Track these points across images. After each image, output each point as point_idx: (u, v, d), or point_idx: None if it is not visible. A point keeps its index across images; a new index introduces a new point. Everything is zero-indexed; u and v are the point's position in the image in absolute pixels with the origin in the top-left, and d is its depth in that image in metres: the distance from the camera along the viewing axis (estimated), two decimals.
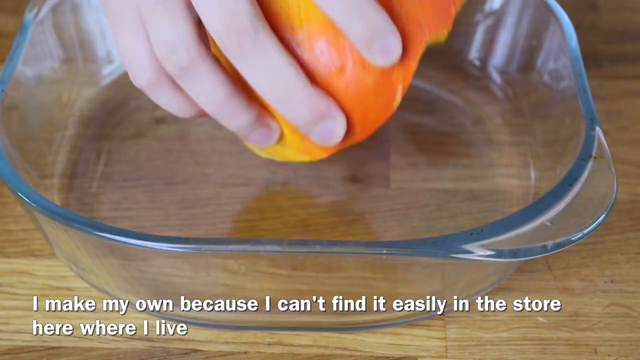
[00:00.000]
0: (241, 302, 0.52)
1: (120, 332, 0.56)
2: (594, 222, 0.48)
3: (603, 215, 0.49)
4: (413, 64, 0.51)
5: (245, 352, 0.55)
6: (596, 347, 0.55)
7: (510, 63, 0.70)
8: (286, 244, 0.46)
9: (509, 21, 0.69)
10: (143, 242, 0.47)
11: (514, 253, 0.47)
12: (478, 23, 0.71)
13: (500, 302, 0.57)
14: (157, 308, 0.53)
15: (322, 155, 0.55)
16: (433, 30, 0.51)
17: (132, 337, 0.55)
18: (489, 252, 0.47)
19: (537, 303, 0.57)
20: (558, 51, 0.61)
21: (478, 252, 0.46)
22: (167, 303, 0.53)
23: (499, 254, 0.47)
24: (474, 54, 0.72)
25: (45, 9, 0.64)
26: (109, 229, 0.48)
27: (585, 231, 0.48)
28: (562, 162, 0.57)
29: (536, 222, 0.48)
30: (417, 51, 0.51)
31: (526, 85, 0.67)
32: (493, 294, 0.57)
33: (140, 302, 0.53)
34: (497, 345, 0.55)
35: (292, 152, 0.56)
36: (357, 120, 0.52)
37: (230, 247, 0.47)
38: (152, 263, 0.51)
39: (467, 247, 0.47)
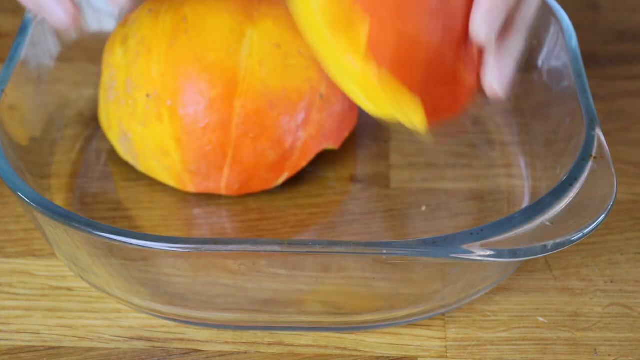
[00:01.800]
0: (241, 302, 0.52)
1: (120, 332, 0.56)
2: (594, 222, 0.48)
3: (603, 215, 0.49)
4: (304, 163, 0.62)
5: (245, 352, 0.55)
6: (596, 347, 0.55)
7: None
8: (286, 244, 0.46)
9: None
10: (143, 242, 0.47)
11: (514, 253, 0.47)
12: None
13: (500, 302, 0.57)
14: (157, 308, 0.53)
15: (192, 190, 0.63)
16: (326, 145, 0.63)
17: (132, 337, 0.55)
18: (489, 252, 0.46)
19: (537, 303, 0.57)
20: (558, 51, 0.61)
21: (478, 252, 0.46)
22: (167, 303, 0.53)
23: (499, 254, 0.47)
24: None
25: None
26: (109, 229, 0.48)
27: (585, 231, 0.48)
28: (562, 162, 0.57)
29: (536, 222, 0.48)
30: (310, 156, 0.62)
31: (526, 85, 0.67)
32: (493, 294, 0.57)
33: (140, 302, 0.53)
34: (497, 345, 0.55)
35: (166, 175, 0.62)
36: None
37: (230, 247, 0.47)
38: (152, 263, 0.51)
39: (467, 247, 0.47)
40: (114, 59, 0.62)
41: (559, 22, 0.61)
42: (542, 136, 0.63)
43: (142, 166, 0.63)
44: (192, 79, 0.59)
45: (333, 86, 0.62)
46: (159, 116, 0.59)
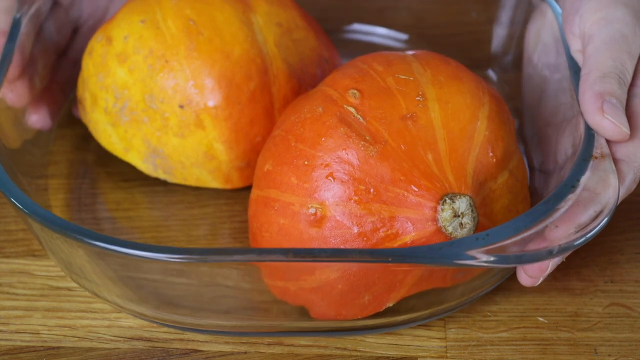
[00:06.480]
0: (241, 307, 0.52)
1: (120, 333, 0.56)
2: (598, 225, 0.48)
3: (607, 218, 0.48)
4: None
5: (245, 352, 0.55)
6: (596, 347, 0.55)
7: (509, 62, 0.70)
8: (291, 254, 0.46)
9: (508, 20, 0.69)
10: (144, 253, 0.46)
11: (519, 258, 0.46)
12: (477, 22, 0.71)
13: (500, 302, 0.57)
14: (157, 315, 0.53)
15: (239, 185, 0.62)
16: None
17: (131, 337, 0.55)
18: (493, 258, 0.46)
19: (537, 303, 0.57)
20: (557, 50, 0.61)
21: (483, 257, 0.46)
22: (167, 310, 0.52)
23: (505, 259, 0.46)
24: (472, 53, 0.71)
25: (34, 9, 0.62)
26: (106, 238, 0.47)
27: (588, 235, 0.47)
28: (562, 162, 0.57)
29: (541, 226, 0.48)
30: None
31: (525, 85, 0.67)
32: (493, 294, 0.58)
33: (139, 309, 0.53)
34: (497, 345, 0.55)
35: (210, 178, 0.62)
36: None
37: (235, 257, 0.46)
38: (150, 269, 0.50)
39: (472, 253, 0.46)
40: (115, 80, 0.60)
41: (558, 21, 0.61)
42: (542, 136, 0.63)
43: (177, 178, 0.62)
44: (227, 76, 0.58)
45: (329, 48, 0.64)
46: (199, 123, 0.59)
